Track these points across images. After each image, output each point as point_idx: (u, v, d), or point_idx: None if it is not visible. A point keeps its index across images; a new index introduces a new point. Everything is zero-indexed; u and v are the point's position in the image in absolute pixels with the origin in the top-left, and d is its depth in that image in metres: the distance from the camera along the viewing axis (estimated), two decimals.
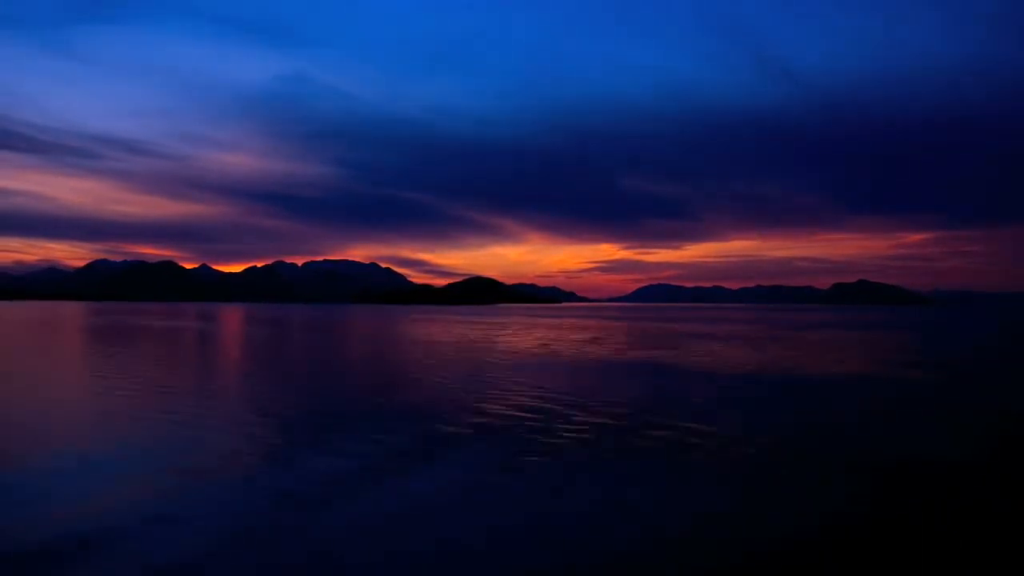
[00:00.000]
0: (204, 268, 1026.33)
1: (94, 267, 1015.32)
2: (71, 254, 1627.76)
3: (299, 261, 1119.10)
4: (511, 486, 12.26)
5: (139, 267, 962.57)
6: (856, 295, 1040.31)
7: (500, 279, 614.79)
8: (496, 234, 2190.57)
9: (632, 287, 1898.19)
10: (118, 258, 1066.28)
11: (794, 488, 12.01)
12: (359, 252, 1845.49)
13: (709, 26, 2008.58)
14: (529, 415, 19.15)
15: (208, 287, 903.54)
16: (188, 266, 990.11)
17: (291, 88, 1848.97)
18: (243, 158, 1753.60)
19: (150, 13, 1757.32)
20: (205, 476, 12.69)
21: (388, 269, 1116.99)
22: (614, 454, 14.57)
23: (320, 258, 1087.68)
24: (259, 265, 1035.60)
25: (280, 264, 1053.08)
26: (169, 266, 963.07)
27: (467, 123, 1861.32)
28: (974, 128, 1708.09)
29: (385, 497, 11.36)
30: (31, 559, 8.87)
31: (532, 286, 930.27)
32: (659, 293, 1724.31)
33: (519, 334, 63.78)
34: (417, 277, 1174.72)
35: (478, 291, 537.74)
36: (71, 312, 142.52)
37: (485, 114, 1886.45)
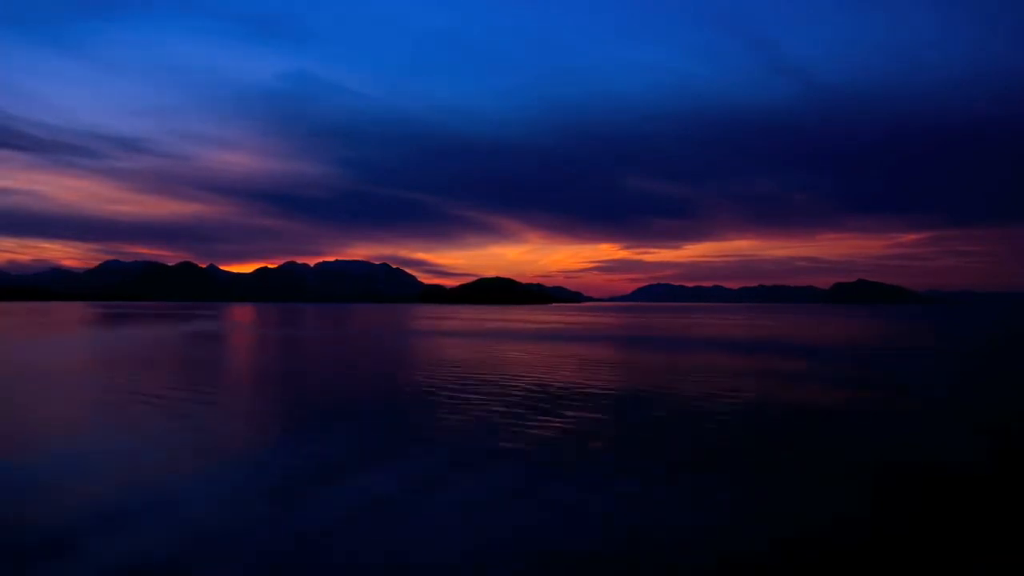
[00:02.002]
0: (212, 268, 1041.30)
1: (106, 267, 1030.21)
2: (64, 253, 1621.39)
3: (310, 261, 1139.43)
4: None
5: (154, 267, 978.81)
6: (856, 295, 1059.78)
7: (494, 277, 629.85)
8: (496, 234, 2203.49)
9: (631, 287, 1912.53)
10: (114, 258, 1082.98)
11: (780, 488, 12.04)
12: (358, 252, 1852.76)
13: (711, 24, 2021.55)
14: None
15: (221, 287, 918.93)
16: (170, 264, 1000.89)
17: (295, 86, 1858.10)
18: (244, 157, 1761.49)
19: (153, 10, 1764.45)
20: None
21: (398, 270, 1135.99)
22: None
23: (332, 258, 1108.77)
24: (271, 266, 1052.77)
25: (292, 264, 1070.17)
26: (186, 267, 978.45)
27: (468, 122, 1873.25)
28: (973, 129, 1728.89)
29: None
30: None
31: (540, 286, 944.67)
32: (659, 293, 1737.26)
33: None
34: (421, 277, 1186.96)
35: (494, 291, 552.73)
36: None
37: (487, 113, 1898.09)
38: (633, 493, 11.82)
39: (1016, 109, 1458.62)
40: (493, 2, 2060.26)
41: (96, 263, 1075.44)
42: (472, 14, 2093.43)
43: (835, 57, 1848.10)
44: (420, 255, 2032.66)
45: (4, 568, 8.43)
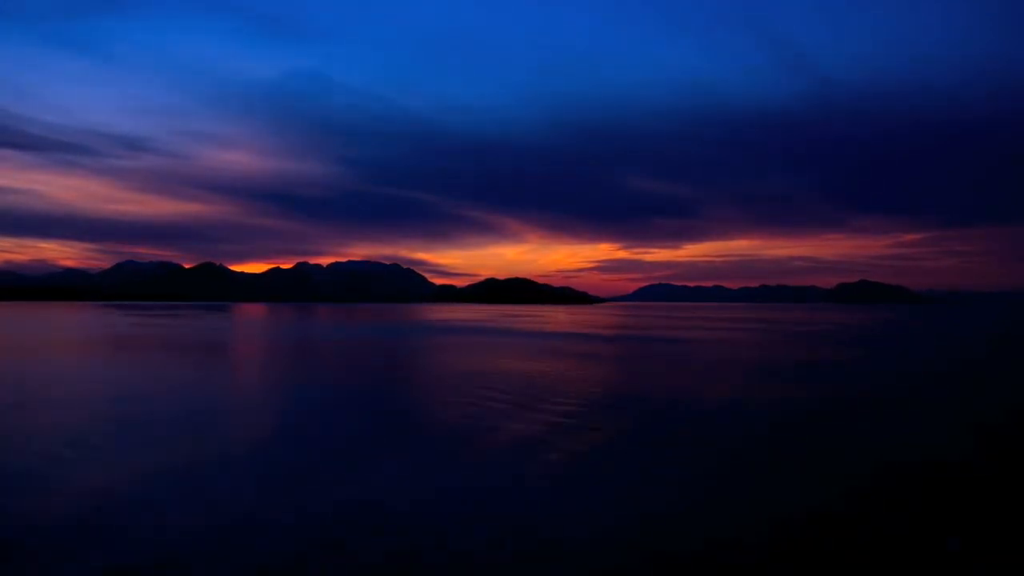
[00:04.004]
0: (221, 268, 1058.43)
1: (120, 267, 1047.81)
2: (61, 253, 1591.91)
3: (312, 260, 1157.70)
4: None
5: (167, 268, 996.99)
6: (859, 295, 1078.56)
7: (499, 277, 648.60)
8: (494, 233, 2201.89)
9: (632, 287, 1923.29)
10: (125, 259, 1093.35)
11: (768, 486, 12.02)
12: (357, 252, 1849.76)
13: (715, 21, 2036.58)
14: None
15: (234, 288, 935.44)
16: (187, 266, 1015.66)
17: (298, 85, 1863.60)
18: (247, 156, 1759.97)
19: (156, 8, 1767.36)
20: None
21: (409, 270, 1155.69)
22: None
23: (339, 259, 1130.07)
24: (284, 266, 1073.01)
25: (304, 264, 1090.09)
26: (199, 267, 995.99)
27: (469, 120, 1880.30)
28: (972, 130, 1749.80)
29: None
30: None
31: (547, 286, 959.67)
32: (660, 293, 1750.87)
33: None
34: (429, 278, 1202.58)
35: (508, 291, 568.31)
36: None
37: (488, 111, 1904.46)
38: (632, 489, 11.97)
39: (1017, 109, 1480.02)
40: (495, 1, 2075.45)
41: (94, 263, 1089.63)
42: (474, 12, 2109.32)
43: (837, 55, 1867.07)
44: (420, 255, 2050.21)
45: None
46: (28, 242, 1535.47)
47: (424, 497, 11.84)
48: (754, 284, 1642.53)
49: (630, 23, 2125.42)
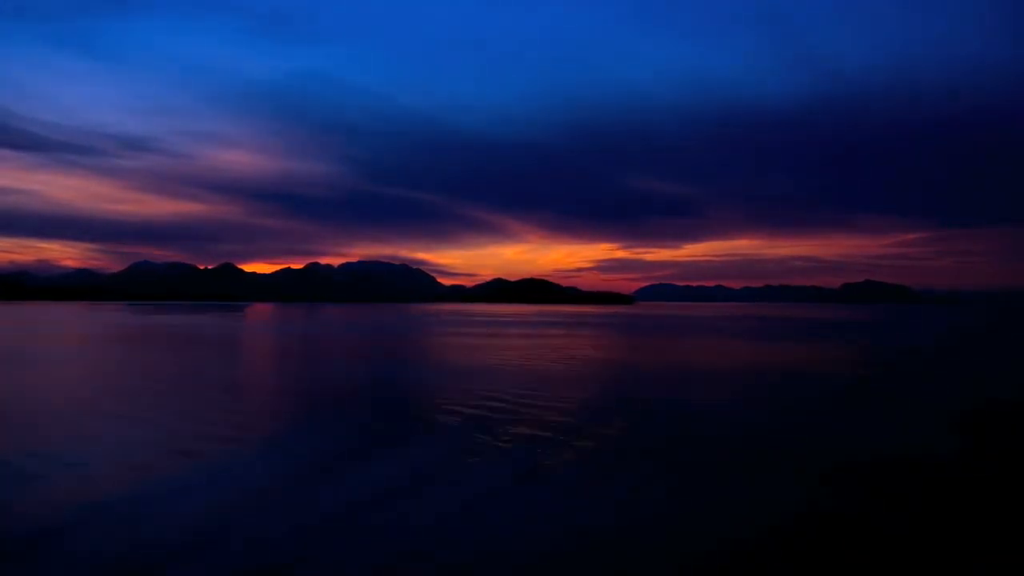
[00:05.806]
0: (230, 267, 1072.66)
1: (134, 268, 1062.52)
2: (64, 253, 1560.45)
3: (323, 261, 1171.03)
4: None
5: (178, 268, 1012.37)
6: (863, 295, 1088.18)
7: (501, 277, 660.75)
8: (495, 233, 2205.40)
9: (632, 286, 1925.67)
10: (119, 258, 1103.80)
11: (747, 485, 12.03)
12: (358, 252, 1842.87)
13: (715, 22, 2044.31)
14: None
15: (245, 288, 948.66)
16: (201, 267, 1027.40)
17: (299, 84, 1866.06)
18: (248, 156, 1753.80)
19: (159, 7, 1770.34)
20: None
21: (417, 270, 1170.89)
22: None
23: (345, 259, 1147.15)
24: (295, 267, 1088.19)
25: (316, 264, 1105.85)
26: (209, 268, 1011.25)
27: (472, 120, 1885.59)
28: (973, 130, 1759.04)
29: None
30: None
31: (556, 286, 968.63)
32: (660, 293, 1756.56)
33: None
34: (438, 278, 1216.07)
35: (521, 292, 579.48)
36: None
37: (491, 112, 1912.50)
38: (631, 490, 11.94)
39: (1019, 109, 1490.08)
40: (498, 1, 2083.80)
41: (96, 263, 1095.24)
42: (477, 13, 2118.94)
43: (839, 56, 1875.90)
44: (420, 254, 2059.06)
45: None
46: (29, 242, 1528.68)
47: None
48: (756, 284, 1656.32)
49: (631, 22, 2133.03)
